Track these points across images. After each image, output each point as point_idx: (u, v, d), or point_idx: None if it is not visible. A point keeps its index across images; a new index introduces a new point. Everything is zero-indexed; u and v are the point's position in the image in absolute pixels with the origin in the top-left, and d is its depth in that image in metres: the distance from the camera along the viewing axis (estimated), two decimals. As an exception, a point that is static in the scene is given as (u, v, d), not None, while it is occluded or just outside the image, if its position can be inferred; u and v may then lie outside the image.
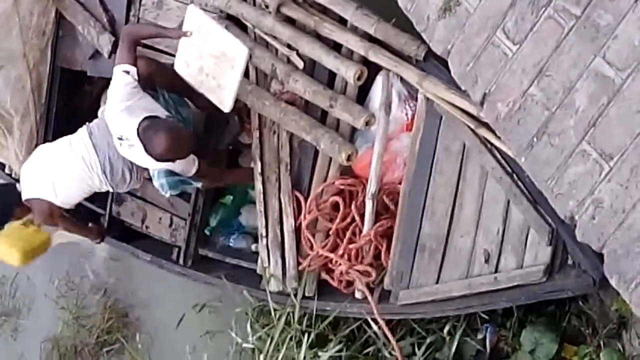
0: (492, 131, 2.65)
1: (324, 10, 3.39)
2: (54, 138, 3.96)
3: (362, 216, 3.37)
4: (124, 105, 3.37)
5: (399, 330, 3.49)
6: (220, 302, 4.01)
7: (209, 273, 3.95)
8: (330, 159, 3.47)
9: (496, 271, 2.89)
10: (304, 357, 3.49)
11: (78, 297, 4.99)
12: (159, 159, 3.37)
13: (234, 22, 3.70)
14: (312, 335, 3.54)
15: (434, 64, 2.99)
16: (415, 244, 3.16)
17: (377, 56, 3.18)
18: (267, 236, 3.68)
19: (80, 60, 4.32)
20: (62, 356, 5.01)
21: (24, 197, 3.75)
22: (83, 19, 4.20)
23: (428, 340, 3.47)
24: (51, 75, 4.36)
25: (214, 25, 3.34)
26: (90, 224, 4.16)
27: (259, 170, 3.69)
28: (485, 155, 2.87)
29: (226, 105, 3.42)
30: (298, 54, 3.47)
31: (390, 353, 3.47)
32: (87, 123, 3.66)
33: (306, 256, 3.57)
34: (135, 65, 3.40)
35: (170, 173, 3.61)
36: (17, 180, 4.05)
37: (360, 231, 3.39)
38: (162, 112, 3.43)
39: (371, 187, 3.30)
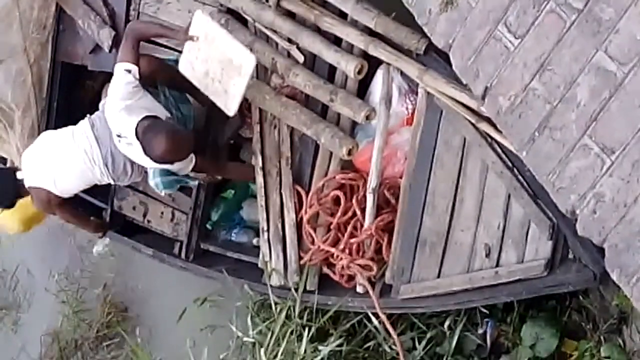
0: (493, 125, 2.65)
1: (324, 4, 3.39)
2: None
3: (363, 210, 3.37)
4: (123, 104, 3.37)
5: (399, 325, 3.49)
6: (220, 297, 4.01)
7: (211, 267, 3.96)
8: (331, 153, 3.47)
9: (497, 265, 2.89)
10: (305, 351, 3.49)
11: (78, 291, 4.99)
12: (158, 161, 3.38)
13: (234, 16, 3.70)
14: (313, 330, 3.54)
15: (434, 57, 2.99)
16: (416, 238, 3.16)
17: (377, 50, 3.18)
18: (268, 230, 3.68)
19: (80, 54, 4.32)
20: (62, 350, 5.02)
21: (25, 184, 3.74)
22: (83, 12, 4.20)
23: (428, 335, 3.48)
24: (52, 70, 4.36)
25: (221, 32, 3.34)
26: (92, 218, 4.16)
27: (260, 164, 3.69)
28: (485, 150, 2.86)
29: (231, 110, 3.43)
30: (298, 48, 3.47)
31: (390, 347, 3.48)
32: (88, 115, 3.65)
33: (307, 250, 3.57)
34: (137, 64, 3.40)
35: (165, 172, 3.61)
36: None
37: (362, 225, 3.39)
38: (162, 112, 3.43)
39: (372, 182, 3.30)
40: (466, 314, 3.41)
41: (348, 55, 3.28)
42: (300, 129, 3.49)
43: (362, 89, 3.39)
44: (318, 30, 3.40)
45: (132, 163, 3.58)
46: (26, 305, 5.38)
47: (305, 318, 3.56)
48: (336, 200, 3.48)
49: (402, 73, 3.23)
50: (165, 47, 3.78)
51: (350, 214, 3.44)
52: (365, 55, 3.26)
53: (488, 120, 2.71)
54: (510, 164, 2.81)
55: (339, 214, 3.45)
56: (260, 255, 3.75)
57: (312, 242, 3.54)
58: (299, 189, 3.59)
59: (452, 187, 3.02)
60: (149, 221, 4.18)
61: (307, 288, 3.59)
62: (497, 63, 2.40)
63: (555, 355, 3.22)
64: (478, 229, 2.95)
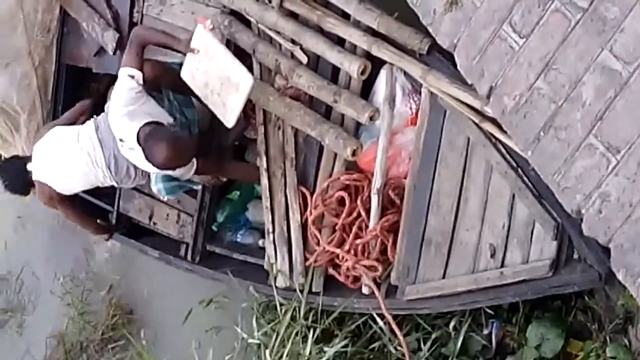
0: (497, 125, 2.65)
1: (327, 5, 3.39)
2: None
3: (367, 211, 3.37)
4: (126, 110, 3.38)
5: (404, 326, 3.48)
6: (225, 298, 4.01)
7: (217, 269, 3.96)
8: (336, 154, 3.46)
9: (502, 266, 2.88)
10: (310, 353, 3.49)
11: (83, 293, 5.00)
12: (159, 167, 3.40)
13: (237, 18, 3.70)
14: (318, 331, 3.54)
15: (438, 57, 2.98)
16: (422, 239, 3.15)
17: (380, 50, 3.17)
18: (273, 232, 3.68)
19: (85, 57, 4.33)
20: (67, 352, 5.03)
21: (32, 176, 3.76)
22: (87, 15, 4.21)
23: (434, 336, 3.47)
24: (57, 73, 4.39)
25: (220, 49, 3.36)
26: (98, 221, 4.16)
27: (265, 165, 3.69)
28: (489, 150, 2.86)
29: (229, 122, 3.46)
30: (302, 49, 3.47)
31: (395, 348, 3.48)
32: (94, 117, 3.66)
33: (313, 252, 3.57)
34: (141, 69, 3.41)
35: (168, 178, 3.63)
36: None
37: (367, 226, 3.39)
38: (165, 117, 3.44)
39: (376, 182, 3.29)
40: (471, 314, 3.40)
41: (351, 56, 3.28)
42: (304, 130, 3.50)
43: (366, 90, 3.39)
44: (321, 31, 3.40)
45: (136, 167, 3.59)
46: (31, 307, 5.40)
47: (310, 319, 3.56)
48: (341, 201, 3.48)
49: (405, 73, 3.22)
50: (169, 47, 3.79)
51: (355, 214, 3.43)
52: (368, 55, 3.26)
53: (492, 120, 2.71)
54: (514, 164, 2.80)
55: (343, 214, 3.45)
56: (266, 257, 3.75)
57: (318, 243, 3.54)
58: (304, 190, 3.59)
59: (456, 187, 3.02)
60: (154, 223, 4.18)
61: (313, 289, 3.59)
62: (502, 63, 2.40)
63: (560, 355, 3.21)
64: (483, 228, 2.94)
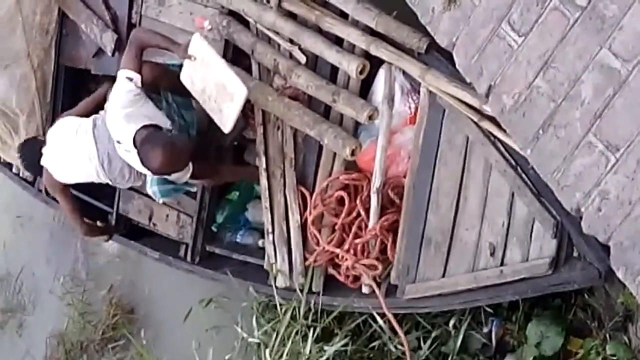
0: (495, 124, 2.65)
1: (325, 4, 3.39)
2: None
3: (367, 210, 3.38)
4: (124, 112, 3.38)
5: (404, 325, 3.48)
6: (225, 298, 4.01)
7: (217, 269, 3.96)
8: (335, 153, 3.47)
9: (502, 264, 2.88)
10: (310, 352, 3.49)
11: (83, 293, 5.00)
12: (154, 172, 3.41)
13: (236, 18, 3.71)
14: (318, 330, 3.54)
15: (436, 56, 2.98)
16: (421, 238, 3.16)
17: (378, 50, 3.18)
18: (273, 232, 3.69)
19: (84, 58, 4.33)
20: (67, 352, 5.03)
21: (41, 161, 3.78)
22: (86, 17, 4.21)
23: (433, 334, 3.47)
24: (56, 74, 4.38)
25: (216, 58, 3.38)
26: (98, 223, 4.16)
27: (264, 166, 3.69)
28: (488, 148, 2.86)
29: (226, 128, 3.48)
30: (300, 49, 3.47)
31: (395, 347, 3.48)
32: (95, 114, 3.66)
33: (312, 251, 3.57)
34: (139, 71, 3.41)
35: (163, 181, 3.63)
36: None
37: (366, 226, 3.39)
38: (163, 120, 3.44)
39: (376, 181, 3.30)
40: (471, 313, 3.40)
41: (350, 56, 3.29)
42: (303, 129, 3.50)
43: (365, 89, 3.39)
44: (319, 31, 3.40)
45: (131, 168, 3.58)
46: (31, 307, 5.40)
47: (310, 318, 3.56)
48: (340, 201, 3.48)
49: (404, 72, 3.22)
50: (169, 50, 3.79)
51: (354, 214, 3.43)
52: (367, 55, 3.26)
53: (491, 119, 2.71)
54: (513, 163, 2.80)
55: (343, 214, 3.45)
56: (266, 257, 3.75)
57: (317, 243, 3.54)
58: (303, 190, 3.59)
59: (455, 186, 3.02)
60: (154, 224, 4.18)
61: (313, 289, 3.59)
62: (500, 61, 2.40)
63: (560, 353, 3.21)
64: (482, 227, 2.95)
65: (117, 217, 4.26)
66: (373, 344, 3.60)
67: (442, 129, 3.05)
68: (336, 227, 3.49)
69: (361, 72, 3.26)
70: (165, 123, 3.44)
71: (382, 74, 3.31)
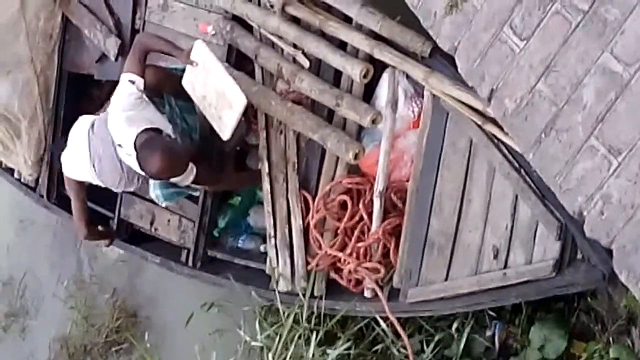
0: (499, 127, 2.65)
1: (329, 9, 3.40)
2: (62, 142, 3.98)
3: (370, 214, 3.38)
4: (125, 115, 3.38)
5: (407, 328, 3.48)
6: (228, 302, 4.01)
7: (218, 274, 3.96)
8: (338, 157, 3.47)
9: (505, 267, 2.88)
10: (313, 355, 3.49)
11: (87, 296, 5.01)
12: (152, 177, 3.41)
13: (239, 23, 3.72)
14: (321, 334, 3.54)
15: (440, 60, 2.99)
16: (424, 241, 3.16)
17: (382, 54, 3.19)
18: (275, 236, 3.69)
19: (87, 63, 4.35)
20: (71, 356, 5.04)
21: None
22: (89, 22, 4.23)
23: (436, 338, 3.47)
24: (58, 80, 4.40)
25: (217, 65, 3.39)
26: (99, 227, 4.16)
27: (266, 170, 3.70)
28: (492, 151, 2.86)
29: (224, 135, 3.49)
30: (304, 53, 3.48)
31: (398, 350, 3.48)
32: (95, 115, 3.67)
33: (315, 256, 3.57)
34: (142, 75, 3.42)
35: (166, 184, 3.63)
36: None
37: (369, 229, 3.40)
38: (164, 124, 3.44)
39: (379, 185, 3.30)
40: (474, 316, 3.40)
41: (353, 60, 3.30)
42: (306, 134, 3.51)
43: (368, 93, 3.40)
44: (323, 35, 3.42)
45: (121, 173, 3.55)
46: (34, 311, 5.41)
47: (313, 322, 3.56)
48: (343, 205, 3.48)
49: (407, 76, 3.23)
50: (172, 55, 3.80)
51: (357, 218, 3.44)
52: (370, 59, 3.28)
53: (494, 122, 2.71)
54: (517, 165, 2.80)
55: (345, 218, 3.45)
56: (268, 261, 3.76)
57: (320, 247, 3.54)
58: (306, 194, 3.60)
59: (459, 189, 3.02)
60: (156, 229, 4.18)
61: (315, 293, 3.59)
62: (502, 65, 2.41)
63: (563, 356, 3.21)
64: (486, 230, 2.95)
65: (119, 222, 4.27)
66: (376, 347, 3.59)
67: (446, 133, 3.06)
68: (339, 231, 3.50)
69: (365, 76, 3.27)
70: (167, 127, 3.45)
71: (385, 78, 3.32)
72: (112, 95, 3.56)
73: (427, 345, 3.47)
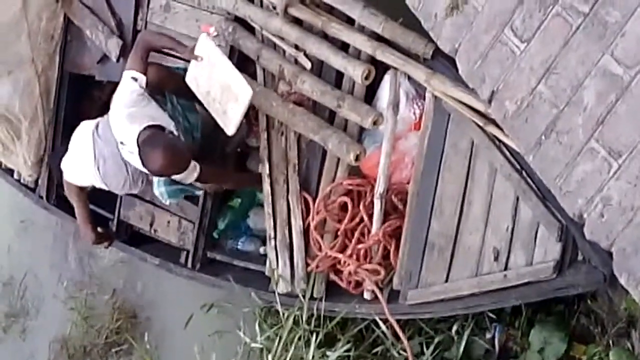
0: (501, 128, 2.65)
1: (331, 10, 3.40)
2: (63, 143, 3.98)
3: (370, 216, 3.38)
4: (127, 112, 3.39)
5: (407, 330, 3.48)
6: (228, 303, 4.02)
7: (218, 276, 3.96)
8: (339, 159, 3.48)
9: (506, 269, 2.88)
10: (312, 357, 3.50)
11: (86, 297, 5.01)
12: (154, 174, 3.41)
13: (242, 24, 3.72)
14: (321, 335, 3.54)
15: (442, 62, 2.99)
16: (424, 243, 3.16)
17: (384, 55, 3.19)
18: (275, 237, 3.69)
19: (88, 64, 4.35)
20: (70, 356, 5.04)
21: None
22: (91, 23, 4.23)
23: (436, 340, 3.48)
24: (59, 80, 4.40)
25: (222, 59, 3.40)
26: (99, 229, 4.16)
27: (267, 171, 3.70)
28: (493, 152, 2.87)
29: (229, 130, 3.48)
30: (305, 55, 3.49)
31: (398, 353, 3.48)
32: (99, 117, 3.67)
33: (315, 257, 3.57)
34: (145, 73, 3.42)
35: (170, 182, 3.63)
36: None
37: (369, 231, 3.40)
38: (167, 121, 3.45)
39: (379, 187, 3.30)
40: (474, 318, 3.40)
41: (355, 61, 3.30)
42: (307, 135, 3.51)
43: (370, 95, 3.40)
44: (325, 37, 3.42)
45: (126, 175, 3.56)
46: (34, 312, 5.41)
47: (312, 324, 3.56)
48: (343, 207, 3.49)
49: (409, 78, 3.24)
50: (174, 56, 3.81)
51: (357, 220, 3.44)
52: (372, 60, 3.28)
53: (496, 123, 2.71)
54: (518, 167, 2.80)
55: (346, 220, 3.45)
56: (267, 263, 3.76)
57: (320, 249, 3.55)
58: (306, 195, 3.60)
59: (460, 191, 3.02)
60: (155, 231, 4.18)
61: (315, 295, 3.59)
62: (503, 67, 2.41)
63: (563, 359, 3.21)
64: (486, 232, 2.95)
65: (118, 223, 4.27)
66: (376, 349, 3.59)
67: (447, 134, 3.06)
68: (339, 233, 3.50)
69: (366, 78, 3.27)
70: (169, 124, 3.45)
71: (387, 80, 3.32)
72: (114, 95, 3.57)
73: (427, 348, 3.47)
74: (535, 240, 2.80)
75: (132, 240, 4.30)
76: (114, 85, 3.63)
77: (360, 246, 3.43)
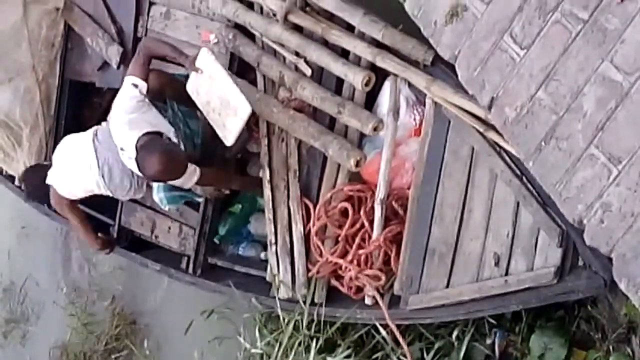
0: (501, 134, 2.66)
1: (331, 17, 3.42)
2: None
3: (371, 222, 3.38)
4: (127, 118, 3.40)
5: (407, 336, 3.48)
6: (228, 309, 4.02)
7: (219, 282, 3.96)
8: (339, 165, 3.48)
9: (506, 274, 2.88)
10: (313, 362, 3.50)
11: (86, 303, 5.00)
12: (150, 179, 3.42)
13: (242, 31, 3.74)
14: (321, 341, 3.54)
15: (442, 68, 3.00)
16: (425, 249, 3.16)
17: (384, 62, 3.20)
18: (276, 243, 3.69)
19: (89, 71, 4.36)
20: (70, 363, 5.04)
21: (47, 180, 3.78)
22: (91, 30, 4.24)
23: (437, 345, 3.47)
24: (60, 87, 4.41)
25: (222, 73, 3.42)
26: (100, 234, 4.17)
27: (268, 177, 3.71)
28: (494, 159, 2.87)
29: (228, 142, 3.51)
30: (306, 61, 3.50)
31: (398, 358, 3.47)
32: (96, 125, 3.68)
33: (315, 263, 3.58)
34: (146, 79, 3.44)
35: (169, 187, 3.63)
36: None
37: (370, 237, 3.40)
38: (166, 127, 3.46)
39: (380, 193, 3.31)
40: (474, 324, 3.40)
41: (355, 68, 3.31)
42: (308, 141, 3.52)
43: (370, 101, 3.41)
44: (325, 43, 3.43)
45: (131, 179, 3.58)
46: (34, 318, 5.41)
47: (313, 329, 3.56)
48: (344, 212, 3.49)
49: (409, 84, 3.25)
50: (176, 63, 3.82)
51: (358, 225, 3.44)
52: (372, 67, 3.29)
53: (496, 129, 2.72)
54: (518, 173, 2.81)
55: (347, 225, 3.46)
56: (268, 269, 3.76)
57: (320, 255, 3.55)
58: (307, 201, 3.61)
59: (460, 197, 3.03)
60: (156, 236, 4.18)
61: (315, 300, 3.59)
62: (503, 74, 2.42)
63: (564, 365, 3.21)
64: (487, 238, 2.95)
65: (119, 229, 4.27)
66: (376, 355, 3.59)
67: (447, 140, 3.07)
68: (339, 239, 3.50)
69: (366, 84, 3.29)
70: (169, 130, 3.46)
71: (387, 86, 3.33)
72: (114, 100, 3.58)
73: (428, 353, 3.47)
74: (535, 246, 2.81)
75: (133, 246, 4.30)
76: (115, 92, 3.64)
77: (361, 252, 3.43)
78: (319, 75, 3.51)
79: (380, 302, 3.32)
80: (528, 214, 2.81)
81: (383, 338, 3.48)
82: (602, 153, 2.16)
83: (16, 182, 4.69)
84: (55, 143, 4.37)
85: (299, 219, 3.62)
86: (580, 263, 2.73)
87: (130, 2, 4.12)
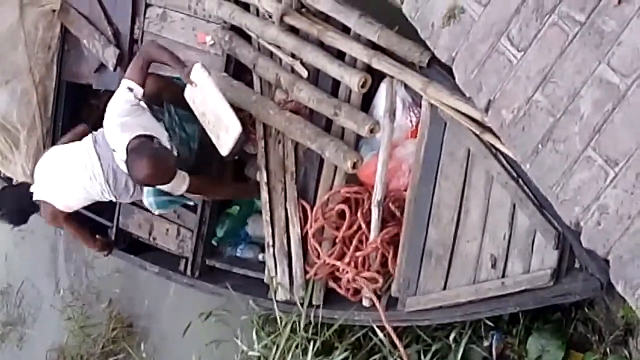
0: (497, 136, 2.66)
1: (327, 19, 3.42)
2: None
3: (368, 224, 3.38)
4: (119, 121, 3.40)
5: (404, 338, 3.48)
6: (225, 311, 4.02)
7: (217, 283, 3.96)
8: (336, 167, 3.48)
9: (503, 276, 2.88)
10: (310, 365, 3.49)
11: (83, 306, 5.00)
12: (138, 183, 3.42)
13: (238, 33, 3.73)
14: (318, 343, 3.54)
15: (438, 70, 3.00)
16: (422, 251, 3.16)
17: (380, 63, 3.20)
18: (273, 245, 3.69)
19: (85, 73, 4.36)
20: (67, 366, 5.03)
21: (34, 197, 3.76)
22: (88, 32, 4.24)
23: (434, 348, 3.47)
24: (57, 89, 4.41)
25: (214, 91, 3.43)
26: (98, 237, 4.17)
27: (265, 179, 3.70)
28: (490, 161, 2.87)
29: (223, 152, 3.51)
30: (302, 63, 3.50)
31: (396, 360, 3.48)
32: (92, 132, 3.68)
33: (313, 265, 3.57)
34: (142, 84, 3.44)
35: (158, 192, 3.63)
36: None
37: (367, 239, 3.40)
38: (160, 131, 3.45)
39: (377, 195, 3.31)
40: (471, 326, 3.40)
41: (351, 69, 3.31)
42: (304, 143, 3.52)
43: (366, 103, 3.41)
44: (321, 45, 3.43)
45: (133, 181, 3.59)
46: (31, 321, 5.41)
47: (310, 332, 3.56)
48: (341, 214, 3.49)
49: (405, 86, 3.25)
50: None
51: (355, 227, 3.44)
52: (368, 68, 3.29)
53: (492, 131, 2.72)
54: (515, 175, 2.81)
55: (344, 227, 3.45)
56: (266, 270, 3.75)
57: (318, 256, 3.55)
58: (304, 203, 3.60)
59: (457, 199, 3.03)
60: (154, 238, 4.19)
61: (313, 302, 3.59)
62: (500, 76, 2.42)
63: (561, 367, 3.21)
64: (484, 239, 2.95)
65: (117, 231, 4.27)
66: (373, 357, 3.58)
67: (444, 142, 3.07)
68: (337, 240, 3.50)
69: (363, 86, 3.28)
70: (162, 135, 3.46)
71: (383, 88, 3.33)
72: (109, 102, 3.58)
73: (425, 355, 3.46)
74: (532, 248, 2.81)
75: (131, 248, 4.30)
76: (111, 93, 3.64)
77: (358, 253, 3.43)
78: (315, 77, 3.51)
79: (377, 304, 3.32)
80: (524, 216, 2.81)
81: (380, 340, 3.47)
82: (599, 155, 2.17)
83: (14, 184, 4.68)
84: (53, 145, 4.38)
85: (296, 220, 3.61)
86: (577, 265, 2.73)
87: (126, 4, 4.12)
